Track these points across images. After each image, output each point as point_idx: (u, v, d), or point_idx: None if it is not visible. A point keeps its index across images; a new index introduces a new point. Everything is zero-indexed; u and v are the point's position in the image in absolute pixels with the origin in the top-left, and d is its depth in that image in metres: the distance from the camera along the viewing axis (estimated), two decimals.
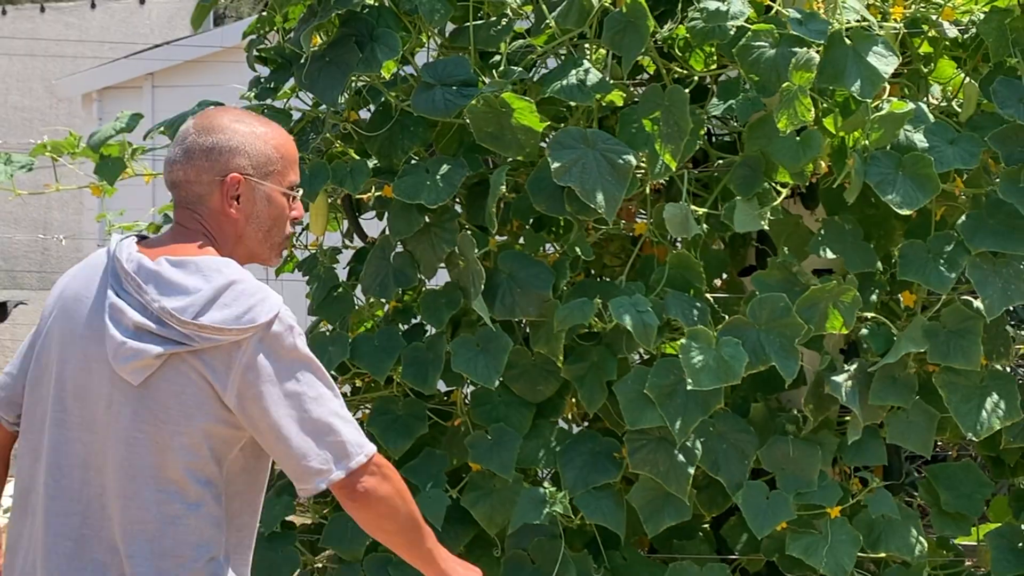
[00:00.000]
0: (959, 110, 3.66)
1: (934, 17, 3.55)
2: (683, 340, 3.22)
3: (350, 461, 2.29)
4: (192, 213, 2.38)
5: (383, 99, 3.58)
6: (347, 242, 4.01)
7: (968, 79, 3.63)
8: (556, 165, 3.20)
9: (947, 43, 3.66)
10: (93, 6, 11.11)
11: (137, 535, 2.25)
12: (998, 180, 3.49)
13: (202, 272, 2.26)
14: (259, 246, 2.43)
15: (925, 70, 3.71)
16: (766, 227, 3.39)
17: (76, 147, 3.68)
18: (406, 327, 3.62)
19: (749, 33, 3.32)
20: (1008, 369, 3.71)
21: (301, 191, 2.50)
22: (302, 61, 3.39)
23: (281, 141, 2.44)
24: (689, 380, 3.16)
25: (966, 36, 3.64)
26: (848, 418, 3.62)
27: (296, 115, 3.68)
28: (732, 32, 3.31)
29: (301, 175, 3.33)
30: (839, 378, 3.41)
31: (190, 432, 2.24)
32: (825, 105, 3.37)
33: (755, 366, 3.24)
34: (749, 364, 3.21)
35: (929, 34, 3.60)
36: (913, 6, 3.57)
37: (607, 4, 3.40)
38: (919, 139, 3.39)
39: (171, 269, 2.26)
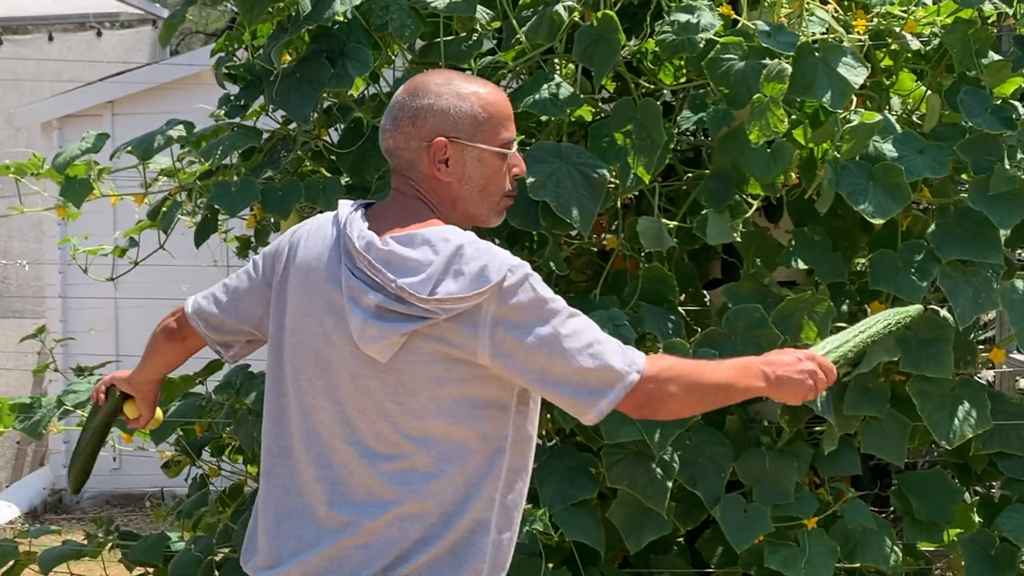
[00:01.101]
0: (919, 122, 3.54)
1: (897, 29, 3.43)
2: (660, 351, 3.07)
3: (622, 382, 2.20)
4: (406, 179, 2.33)
5: (353, 116, 3.41)
6: None
7: (930, 91, 3.52)
8: (531, 180, 3.04)
9: (909, 55, 3.54)
10: (51, 39, 10.84)
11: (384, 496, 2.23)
12: (964, 189, 3.39)
13: (430, 243, 2.20)
14: (476, 207, 2.34)
15: (887, 82, 3.58)
16: (738, 239, 3.24)
17: (40, 168, 3.47)
18: None
19: (718, 46, 3.18)
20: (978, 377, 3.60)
21: (516, 147, 2.37)
22: (272, 78, 3.20)
23: (491, 99, 2.32)
24: None
25: (928, 48, 3.52)
26: (818, 428, 3.50)
27: (266, 134, 3.49)
28: (701, 45, 3.17)
29: (271, 194, 3.17)
30: None
31: (448, 393, 2.21)
32: (794, 117, 3.24)
33: None
34: None
35: (892, 47, 3.48)
36: (875, 19, 3.45)
37: (576, 19, 3.26)
38: (888, 149, 3.27)
39: (400, 248, 2.20)
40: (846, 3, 3.51)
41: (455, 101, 2.29)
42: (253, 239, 3.86)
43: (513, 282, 2.18)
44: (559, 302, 2.25)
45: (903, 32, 3.41)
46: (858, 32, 3.36)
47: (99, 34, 10.96)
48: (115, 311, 8.31)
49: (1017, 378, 4.92)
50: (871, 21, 3.43)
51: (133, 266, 3.88)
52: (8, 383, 9.57)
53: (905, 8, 3.42)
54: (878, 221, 3.17)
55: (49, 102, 8.47)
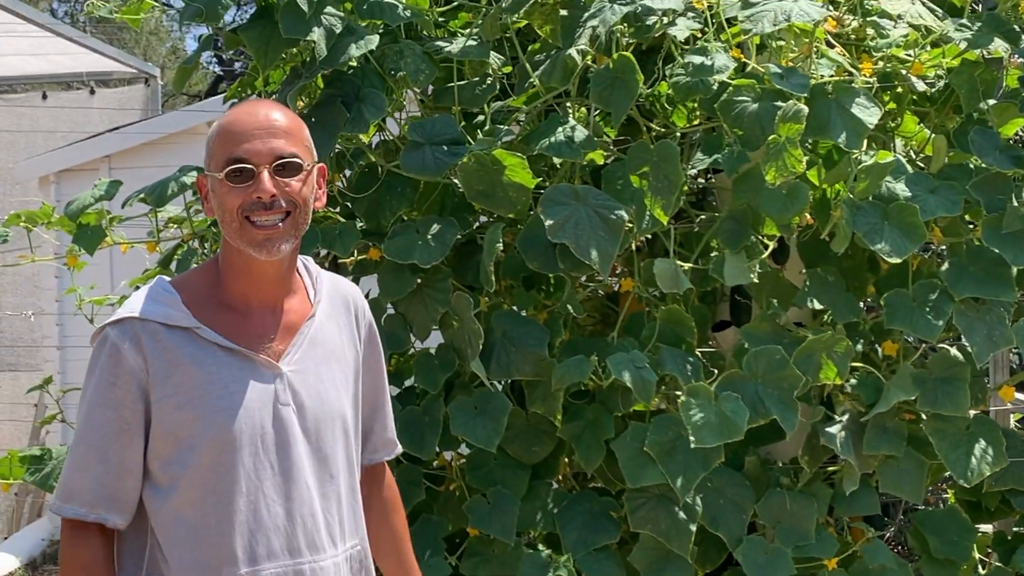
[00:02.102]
0: (922, 165, 3.43)
1: (903, 72, 3.32)
2: (682, 396, 2.93)
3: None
4: None
5: (364, 160, 3.26)
6: None
7: (935, 133, 3.41)
8: (550, 222, 2.90)
9: (914, 97, 3.43)
10: (44, 97, 10.67)
11: None
12: (974, 228, 3.28)
13: None
14: (232, 241, 2.19)
15: (893, 124, 3.47)
16: (755, 280, 3.11)
17: (51, 217, 3.31)
18: (398, 391, 3.26)
19: (731, 88, 3.07)
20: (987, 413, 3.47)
21: (245, 165, 2.14)
22: None
23: (229, 118, 2.20)
24: (692, 437, 2.86)
25: (934, 90, 3.41)
26: (832, 469, 3.36)
27: None
28: (715, 87, 3.05)
29: None
30: (833, 429, 3.13)
31: None
32: (807, 157, 3.12)
33: (755, 420, 2.95)
34: (750, 419, 2.92)
35: (897, 89, 3.38)
36: (880, 62, 3.34)
37: (588, 62, 3.14)
38: (901, 189, 3.15)
39: None
40: (851, 47, 3.41)
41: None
42: None
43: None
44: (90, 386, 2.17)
45: (909, 75, 3.31)
46: (865, 75, 3.25)
47: (92, 92, 10.81)
48: None
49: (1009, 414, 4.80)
50: (876, 64, 3.32)
51: None
52: (3, 436, 9.33)
53: (910, 51, 3.32)
54: (895, 260, 3.04)
55: (47, 157, 8.29)
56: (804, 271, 3.35)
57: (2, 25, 8.10)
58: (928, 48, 3.35)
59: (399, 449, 2.53)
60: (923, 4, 3.47)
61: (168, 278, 2.26)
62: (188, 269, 3.20)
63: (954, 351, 3.28)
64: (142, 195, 3.19)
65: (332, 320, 2.32)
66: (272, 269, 2.20)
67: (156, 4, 3.12)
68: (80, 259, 3.51)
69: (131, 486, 2.14)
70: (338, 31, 2.99)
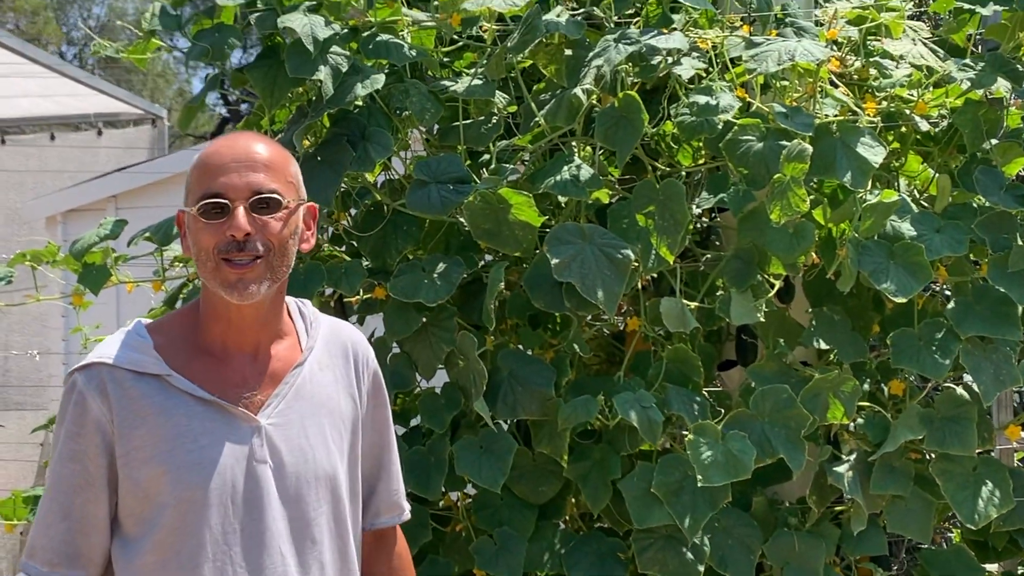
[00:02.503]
0: (925, 205, 3.39)
1: (907, 111, 3.28)
2: (689, 435, 2.87)
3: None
4: None
5: (370, 199, 3.22)
6: None
7: (939, 172, 3.37)
8: (555, 261, 2.85)
9: (918, 136, 3.39)
10: (52, 138, 10.65)
11: None
12: (979, 266, 3.24)
13: None
14: (206, 282, 2.05)
15: (897, 164, 3.43)
16: (762, 319, 3.06)
17: (56, 256, 3.26)
18: (404, 430, 3.20)
19: (736, 127, 3.03)
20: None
21: (220, 200, 2.00)
22: None
23: (208, 150, 2.06)
24: (699, 476, 2.80)
25: (937, 129, 3.37)
26: (839, 508, 3.29)
27: None
28: (720, 126, 3.01)
29: (293, 279, 2.95)
30: (841, 468, 3.07)
31: None
32: (812, 197, 3.07)
33: (763, 460, 2.89)
34: (757, 458, 2.86)
35: (901, 129, 3.34)
36: (884, 102, 3.30)
37: (593, 101, 3.10)
38: (906, 228, 3.10)
39: None
40: (854, 87, 3.37)
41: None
42: None
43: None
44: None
45: (913, 114, 3.27)
46: (868, 114, 3.21)
47: (99, 133, 10.81)
48: None
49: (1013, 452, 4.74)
50: (880, 103, 3.29)
51: None
52: (9, 475, 9.25)
53: (913, 91, 3.28)
54: (901, 299, 2.99)
55: (54, 197, 8.27)
56: (810, 310, 3.30)
57: (10, 67, 8.09)
58: (931, 88, 3.31)
59: (407, 514, 2.38)
60: (925, 45, 3.45)
61: (147, 320, 2.12)
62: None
63: (959, 390, 3.23)
64: (147, 234, 3.15)
65: (328, 370, 2.15)
66: (251, 312, 2.04)
67: (162, 44, 3.08)
68: (86, 298, 3.46)
69: (96, 542, 2.01)
70: (344, 70, 2.96)
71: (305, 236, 2.13)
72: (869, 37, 3.36)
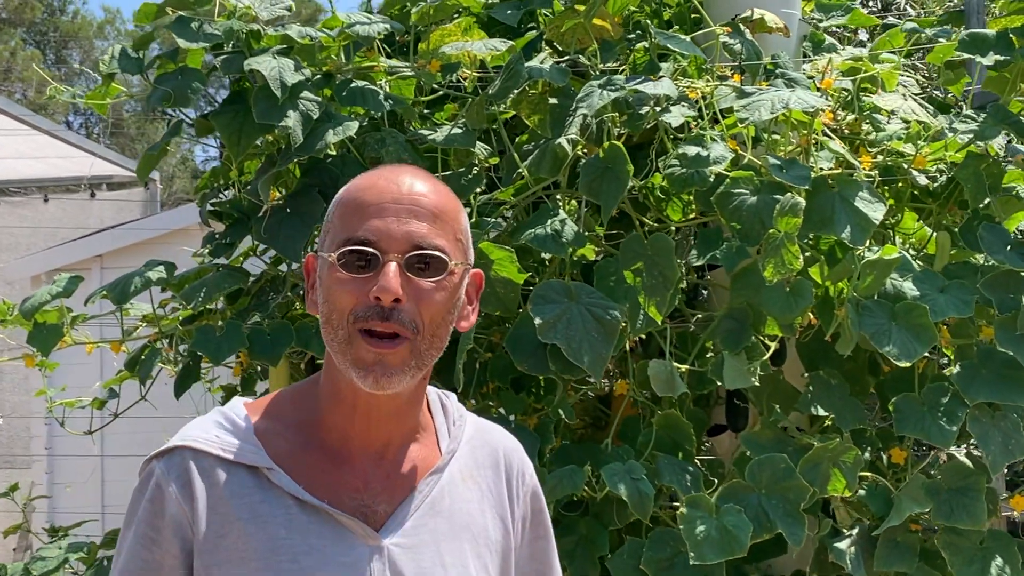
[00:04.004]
0: (921, 263, 3.08)
1: (905, 166, 2.98)
2: (681, 508, 2.52)
3: None
4: None
5: None
6: None
7: (937, 229, 3.06)
8: (540, 321, 2.52)
9: (915, 192, 3.09)
10: (46, 200, 10.32)
11: None
12: (982, 328, 2.92)
13: None
14: (333, 355, 1.51)
15: (892, 221, 3.12)
16: (756, 383, 2.73)
17: (8, 315, 2.92)
18: None
19: (728, 180, 2.71)
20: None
21: (367, 248, 1.48)
22: (260, 214, 2.68)
23: (360, 183, 1.55)
24: (692, 553, 2.46)
25: (936, 184, 3.07)
26: None
27: (254, 276, 2.95)
28: (712, 179, 2.70)
29: (259, 340, 2.62)
30: (842, 544, 2.73)
31: None
32: (808, 254, 2.76)
33: (759, 535, 2.54)
34: (754, 533, 2.51)
35: (897, 184, 3.03)
36: (879, 156, 3.00)
37: (579, 152, 2.79)
38: (908, 288, 2.78)
39: None
40: (847, 140, 3.07)
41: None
42: (239, 388, 3.29)
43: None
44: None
45: (911, 168, 2.97)
46: (865, 169, 2.91)
47: (92, 195, 10.47)
48: (100, 462, 7.59)
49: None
50: (875, 158, 2.98)
51: (113, 418, 3.32)
52: None
53: (911, 144, 2.98)
54: (904, 364, 2.66)
55: (39, 256, 7.91)
56: (805, 374, 2.98)
57: (4, 129, 7.79)
58: (930, 141, 3.01)
59: None
60: (915, 100, 3.16)
61: (249, 399, 1.63)
62: (151, 370, 2.80)
63: (961, 457, 2.90)
64: (104, 291, 2.80)
65: (472, 481, 1.63)
66: (386, 402, 1.53)
67: (123, 90, 2.76)
68: (49, 359, 3.11)
69: None
70: (315, 117, 2.64)
71: (465, 312, 1.60)
72: (861, 90, 3.07)
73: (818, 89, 2.95)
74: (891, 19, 4.72)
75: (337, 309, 1.47)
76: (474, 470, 1.64)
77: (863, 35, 5.23)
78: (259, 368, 3.13)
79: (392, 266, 1.45)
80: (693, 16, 3.39)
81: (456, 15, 3.00)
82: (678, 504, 2.73)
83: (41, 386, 6.73)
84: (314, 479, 1.52)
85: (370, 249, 1.46)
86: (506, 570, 1.65)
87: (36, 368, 3.19)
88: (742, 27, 3.12)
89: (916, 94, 3.28)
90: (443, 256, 1.49)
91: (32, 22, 32.18)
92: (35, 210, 10.25)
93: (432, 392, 1.69)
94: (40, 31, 32.73)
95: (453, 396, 1.72)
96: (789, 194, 2.63)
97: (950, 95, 3.59)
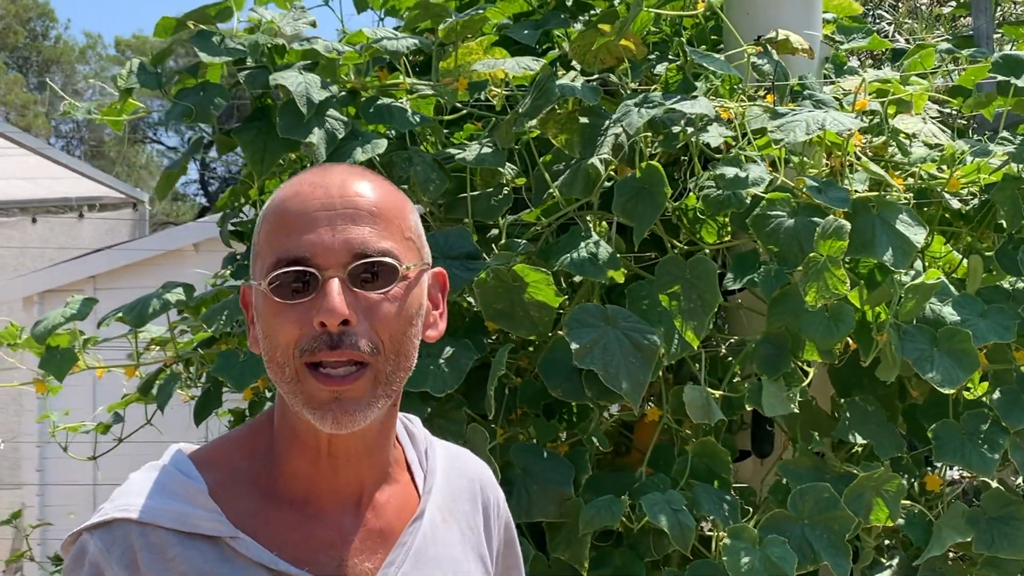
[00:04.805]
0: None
1: (938, 188, 2.86)
2: (724, 539, 2.38)
3: None
4: None
5: None
6: None
7: (968, 253, 2.94)
8: (576, 346, 2.37)
9: (946, 215, 2.97)
10: (34, 221, 10.10)
11: None
12: (1018, 353, 2.80)
13: None
14: (286, 397, 1.28)
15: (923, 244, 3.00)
16: (795, 410, 2.59)
17: (17, 338, 2.75)
18: None
19: (763, 202, 2.59)
20: None
21: (303, 267, 1.25)
22: None
23: (284, 192, 1.30)
24: None
25: (968, 208, 2.95)
26: None
27: None
28: (748, 201, 2.57)
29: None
30: (884, 575, 2.59)
31: None
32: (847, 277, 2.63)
33: (804, 566, 2.41)
34: (798, 564, 2.38)
35: (926, 208, 2.91)
36: (910, 178, 2.88)
37: (611, 172, 2.65)
38: (948, 313, 2.66)
39: None
40: (876, 163, 2.95)
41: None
42: (247, 412, 3.12)
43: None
44: None
45: (944, 192, 2.85)
46: (896, 191, 2.79)
47: (81, 216, 10.26)
48: (93, 488, 7.35)
49: None
50: (905, 180, 2.87)
51: (117, 443, 3.15)
52: None
53: (942, 167, 2.86)
54: (947, 391, 2.54)
55: (32, 277, 7.72)
56: (833, 399, 2.85)
57: None
58: (961, 164, 2.90)
59: None
60: (935, 124, 3.05)
61: (190, 448, 1.38)
62: (170, 395, 2.63)
63: (995, 484, 2.78)
64: (120, 314, 2.63)
65: (452, 519, 1.44)
66: (352, 441, 1.32)
67: (140, 105, 2.61)
68: (52, 383, 2.94)
69: None
70: (341, 135, 2.49)
71: (432, 320, 1.37)
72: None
73: (851, 110, 2.83)
74: (901, 42, 4.62)
75: (279, 345, 1.25)
76: (452, 505, 1.45)
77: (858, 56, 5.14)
78: (269, 391, 2.97)
79: (334, 283, 1.23)
80: (712, 37, 3.27)
81: (482, 33, 2.87)
82: (710, 532, 2.60)
83: (31, 408, 6.53)
84: (285, 541, 1.29)
85: (305, 268, 1.24)
86: None
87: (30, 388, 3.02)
88: (768, 48, 3.00)
89: (934, 117, 3.17)
90: (392, 261, 1.26)
91: (15, 46, 31.92)
92: (23, 230, 10.03)
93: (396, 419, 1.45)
94: (23, 55, 32.46)
95: (417, 420, 1.51)
96: (831, 216, 2.51)
97: (960, 119, 3.50)
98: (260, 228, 1.31)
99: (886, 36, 3.50)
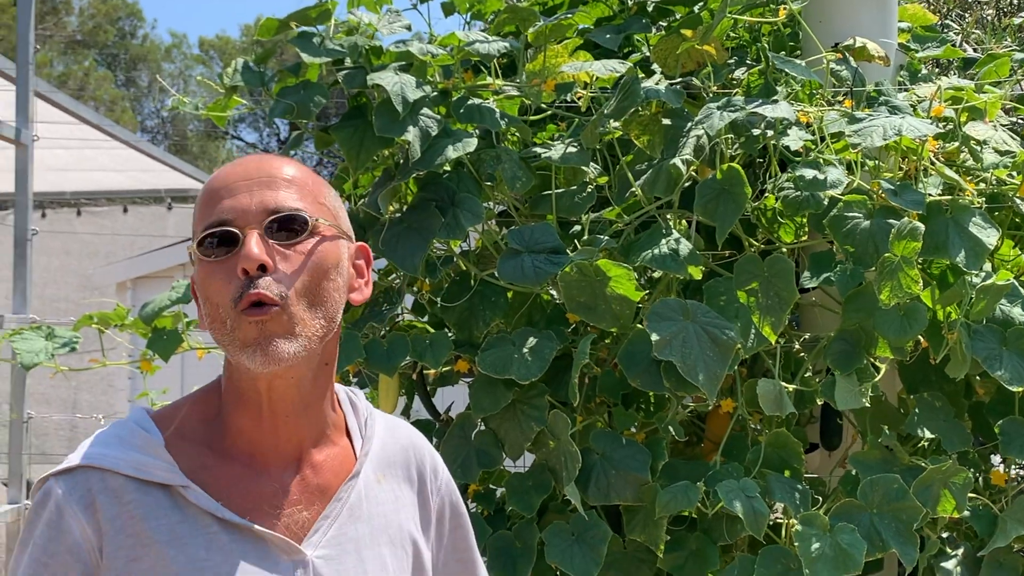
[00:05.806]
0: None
1: (1010, 193, 2.85)
2: (796, 525, 2.40)
3: None
4: None
5: (451, 268, 2.79)
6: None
7: None
8: (656, 338, 2.41)
9: (1016, 219, 2.95)
10: (125, 211, 10.29)
11: None
12: None
13: None
14: (223, 349, 1.40)
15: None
16: (867, 405, 2.60)
17: (124, 319, 2.83)
18: (487, 514, 2.71)
19: (840, 203, 2.60)
20: None
21: (225, 228, 1.37)
22: (378, 227, 2.59)
23: (211, 178, 1.44)
24: (807, 571, 2.34)
25: None
26: None
27: None
28: (826, 202, 2.58)
29: (376, 350, 2.51)
30: (949, 564, 2.61)
31: None
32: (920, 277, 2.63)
33: (872, 554, 2.42)
34: (867, 552, 2.39)
35: (995, 212, 2.90)
36: (982, 183, 2.87)
37: (692, 173, 2.68)
38: (1018, 313, 2.65)
39: None
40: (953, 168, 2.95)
41: None
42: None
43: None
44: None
45: (1015, 197, 2.83)
46: (968, 196, 2.78)
47: (169, 207, 10.44)
48: None
49: None
50: (977, 185, 2.86)
51: None
52: None
53: (1012, 173, 2.85)
54: (1016, 389, 2.54)
55: (125, 264, 7.89)
56: (900, 394, 2.86)
57: (87, 141, 7.77)
58: None
59: None
60: (1006, 131, 3.03)
61: (150, 407, 1.50)
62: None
63: None
64: None
65: (388, 483, 1.55)
66: (288, 391, 1.40)
67: (243, 102, 2.68)
68: (154, 363, 3.03)
69: None
70: (434, 133, 2.54)
71: (357, 284, 1.49)
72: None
73: (928, 116, 2.83)
74: (970, 52, 4.58)
75: (215, 301, 1.36)
76: (387, 468, 1.56)
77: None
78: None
79: (252, 236, 1.35)
80: (790, 44, 3.28)
81: (566, 37, 2.90)
82: (780, 520, 2.61)
83: (122, 387, 6.67)
84: (232, 493, 1.40)
85: (227, 228, 1.36)
86: (422, 568, 1.56)
87: (134, 369, 3.10)
88: (846, 54, 3.01)
89: (1003, 124, 3.15)
90: (303, 214, 1.38)
91: (104, 44, 32.49)
92: (114, 220, 10.23)
93: (341, 390, 1.58)
94: (111, 53, 33.03)
95: (361, 393, 1.62)
96: (906, 218, 2.52)
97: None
98: (195, 212, 1.44)
99: (954, 46, 3.48)
